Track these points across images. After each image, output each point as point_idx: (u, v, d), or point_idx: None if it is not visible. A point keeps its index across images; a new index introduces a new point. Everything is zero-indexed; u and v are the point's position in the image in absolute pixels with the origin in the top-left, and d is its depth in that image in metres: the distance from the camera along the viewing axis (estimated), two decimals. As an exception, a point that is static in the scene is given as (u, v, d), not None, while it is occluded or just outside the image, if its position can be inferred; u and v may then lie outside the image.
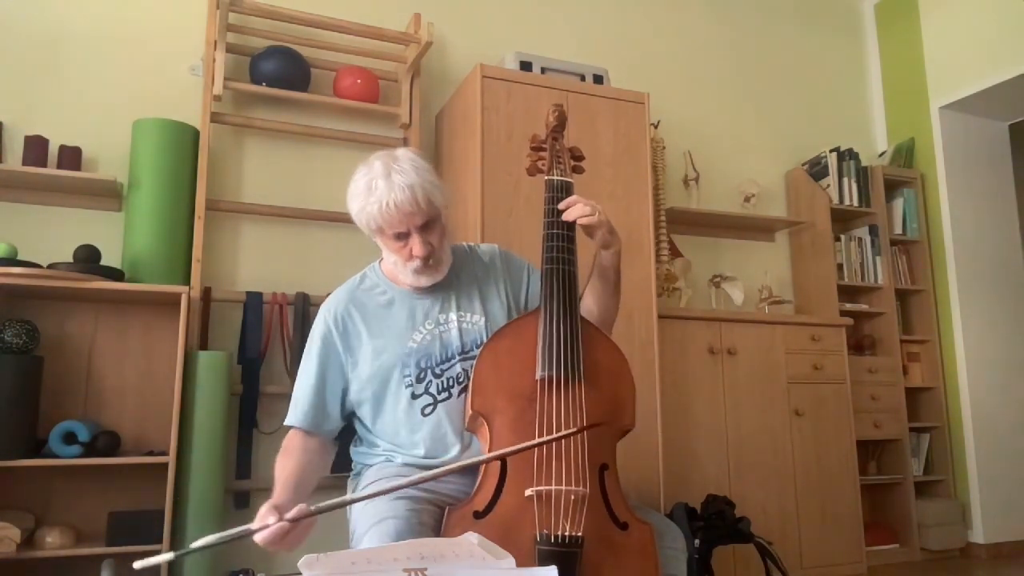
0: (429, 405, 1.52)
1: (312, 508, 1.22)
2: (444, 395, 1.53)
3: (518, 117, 2.78)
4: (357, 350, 1.55)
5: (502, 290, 1.65)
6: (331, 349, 1.56)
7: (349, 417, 1.61)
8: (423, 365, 1.53)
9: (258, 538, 1.22)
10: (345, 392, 1.57)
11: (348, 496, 1.26)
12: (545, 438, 1.34)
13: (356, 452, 1.66)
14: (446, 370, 1.54)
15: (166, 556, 1.11)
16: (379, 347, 1.54)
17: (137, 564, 1.08)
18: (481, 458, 1.35)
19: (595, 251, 1.60)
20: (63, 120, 2.73)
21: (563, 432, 1.35)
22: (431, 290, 1.59)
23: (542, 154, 1.68)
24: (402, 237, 1.49)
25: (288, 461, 1.47)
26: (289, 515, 1.22)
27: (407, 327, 1.56)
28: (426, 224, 1.49)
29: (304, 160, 3.06)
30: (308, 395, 1.55)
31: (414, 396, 1.52)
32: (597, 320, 1.60)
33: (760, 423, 3.20)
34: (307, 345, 1.59)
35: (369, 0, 3.23)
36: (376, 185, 1.45)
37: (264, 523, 1.22)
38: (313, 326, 1.60)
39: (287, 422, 1.55)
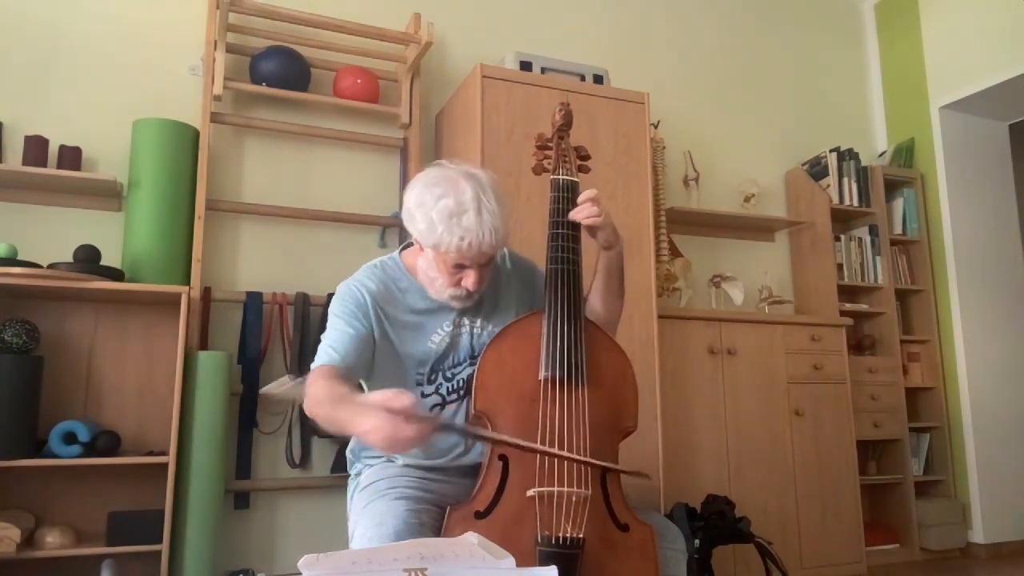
0: (437, 405, 1.52)
1: (460, 426, 1.27)
2: (453, 396, 1.53)
3: (518, 117, 2.78)
4: (382, 335, 1.50)
5: (513, 293, 1.64)
6: (368, 321, 1.48)
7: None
8: (436, 367, 1.53)
9: (410, 430, 1.14)
10: (369, 365, 1.50)
11: (491, 434, 1.26)
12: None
13: (356, 452, 1.66)
14: (457, 373, 1.54)
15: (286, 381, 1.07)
16: (400, 342, 1.52)
17: (264, 389, 1.07)
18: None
19: (598, 252, 1.59)
20: (63, 120, 2.73)
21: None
22: None
23: (548, 153, 1.67)
24: (460, 267, 1.45)
25: (341, 387, 1.32)
26: (438, 420, 1.25)
27: (428, 327, 1.54)
28: (488, 261, 1.46)
29: (304, 160, 3.06)
30: (346, 342, 1.43)
31: (424, 396, 1.52)
32: (602, 321, 1.60)
33: (760, 423, 3.20)
34: (337, 308, 1.49)
35: (369, 0, 3.23)
36: (465, 217, 1.38)
37: (414, 411, 1.14)
38: (342, 296, 1.51)
39: (324, 362, 1.41)
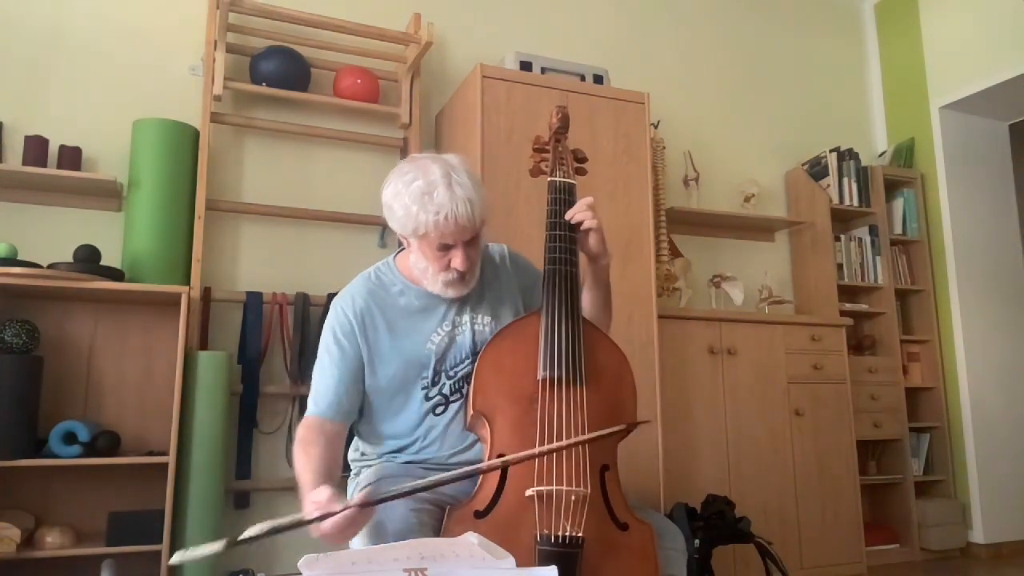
0: (441, 405, 1.53)
1: (385, 493, 1.18)
2: (456, 396, 1.53)
3: (518, 117, 2.78)
4: (376, 347, 1.52)
5: (513, 292, 1.64)
6: (352, 343, 1.51)
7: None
8: (438, 367, 1.53)
9: (326, 526, 1.15)
10: (363, 389, 1.53)
11: (421, 482, 1.20)
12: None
13: (355, 451, 1.66)
14: (460, 371, 1.54)
15: (215, 546, 1.06)
16: (399, 346, 1.52)
17: (175, 558, 1.08)
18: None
19: (585, 264, 1.58)
20: (63, 120, 2.73)
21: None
22: None
23: (545, 155, 1.68)
24: (445, 248, 1.45)
25: (315, 449, 1.40)
26: (355, 500, 1.16)
27: (426, 328, 1.54)
28: (472, 239, 1.47)
29: (304, 160, 3.06)
30: (332, 387, 1.49)
31: (428, 397, 1.53)
32: None
33: (760, 423, 3.20)
34: (325, 338, 1.54)
35: (369, 0, 3.23)
36: (436, 194, 1.40)
37: (328, 510, 1.15)
38: (330, 319, 1.55)
39: (310, 413, 1.49)
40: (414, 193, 1.42)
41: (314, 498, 1.20)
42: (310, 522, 1.14)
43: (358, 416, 1.60)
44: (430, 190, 1.41)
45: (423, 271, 1.51)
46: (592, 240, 1.54)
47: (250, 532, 1.09)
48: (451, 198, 1.40)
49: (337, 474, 1.42)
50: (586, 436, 1.34)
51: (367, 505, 1.17)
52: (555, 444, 1.34)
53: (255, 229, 2.94)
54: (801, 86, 4.22)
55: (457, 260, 1.46)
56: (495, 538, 1.08)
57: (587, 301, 1.61)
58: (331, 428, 1.47)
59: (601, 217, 1.56)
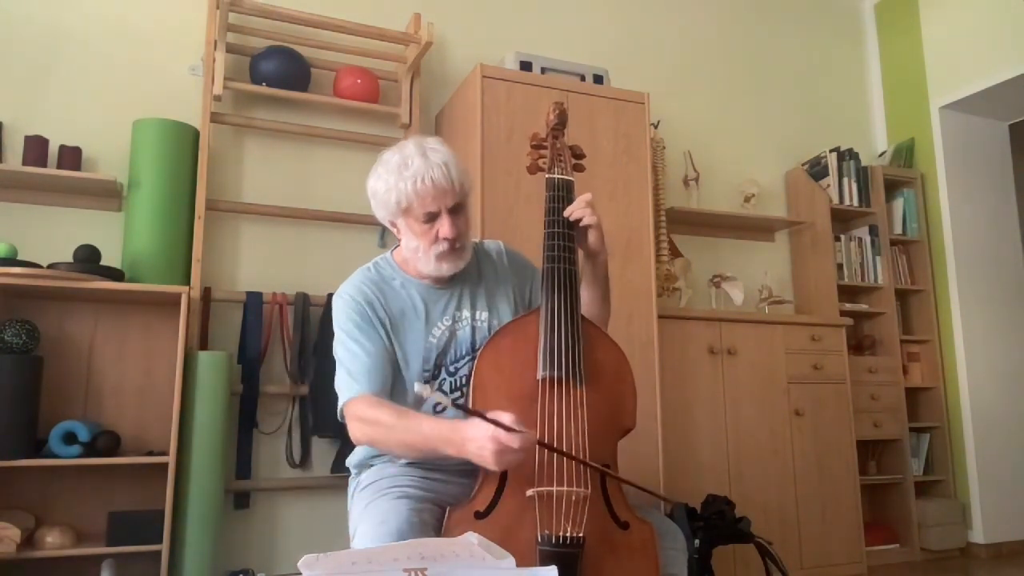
0: (440, 403, 1.52)
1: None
2: (456, 393, 1.53)
3: (518, 117, 2.78)
4: (386, 333, 1.51)
5: (510, 288, 1.64)
6: (374, 323, 1.50)
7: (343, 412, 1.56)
8: (439, 362, 1.53)
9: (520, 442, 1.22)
10: (393, 362, 1.51)
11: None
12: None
13: (357, 451, 1.66)
14: (459, 368, 1.54)
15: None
16: (400, 339, 1.52)
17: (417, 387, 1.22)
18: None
19: (584, 260, 1.59)
20: (63, 120, 2.73)
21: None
22: (447, 284, 1.58)
23: (543, 152, 1.67)
24: (431, 218, 1.47)
25: (391, 408, 1.40)
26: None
27: (426, 321, 1.54)
28: (456, 206, 1.49)
29: (304, 160, 3.06)
30: (369, 365, 1.46)
31: (425, 396, 1.51)
32: None
33: (760, 423, 3.20)
34: (343, 326, 1.51)
35: (369, 0, 3.23)
36: (411, 162, 1.45)
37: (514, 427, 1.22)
38: (341, 309, 1.53)
39: (357, 393, 1.44)
40: (391, 168, 1.47)
41: (490, 435, 1.23)
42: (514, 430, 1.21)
43: None
44: (405, 161, 1.46)
45: (415, 252, 1.51)
46: (592, 237, 1.54)
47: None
48: (426, 164, 1.45)
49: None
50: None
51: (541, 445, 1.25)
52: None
53: (255, 229, 2.94)
54: (801, 86, 4.22)
55: (444, 228, 1.47)
56: (495, 538, 1.07)
57: (587, 297, 1.61)
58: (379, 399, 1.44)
59: (600, 214, 1.56)
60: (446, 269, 1.52)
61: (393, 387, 1.51)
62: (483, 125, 2.72)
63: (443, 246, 1.48)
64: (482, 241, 1.72)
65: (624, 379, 1.51)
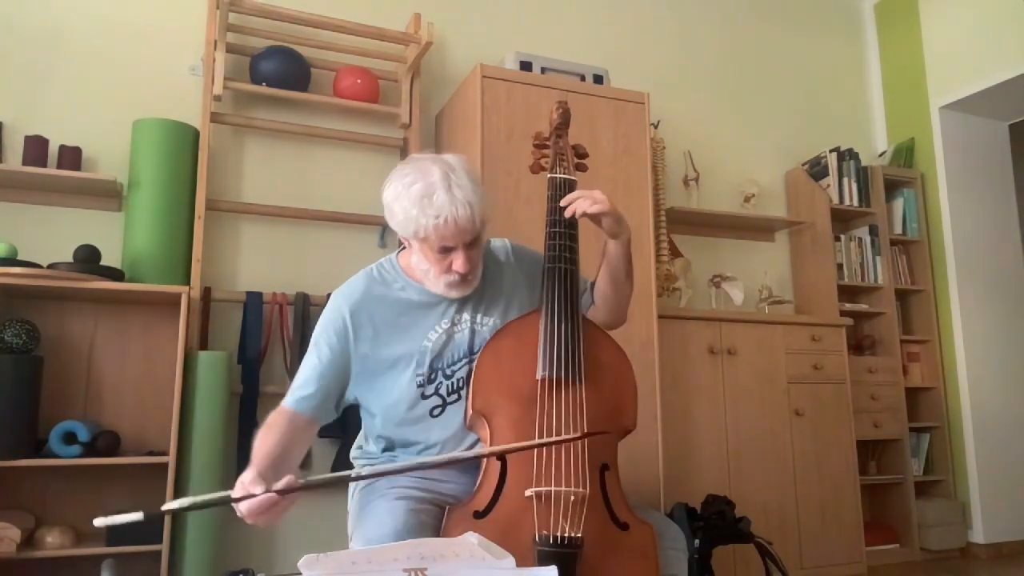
0: (438, 407, 1.51)
1: (301, 481, 1.17)
2: (453, 397, 1.51)
3: (518, 117, 2.78)
4: (369, 345, 1.50)
5: (520, 288, 1.61)
6: (342, 341, 1.50)
7: (345, 411, 1.57)
8: (435, 365, 1.51)
9: (243, 507, 1.17)
10: (344, 388, 1.52)
11: (337, 474, 1.22)
12: (548, 440, 1.34)
13: (356, 448, 1.66)
14: (456, 371, 1.52)
15: (135, 516, 1.06)
16: (395, 343, 1.51)
17: (97, 522, 1.07)
18: (483, 451, 1.35)
19: (603, 240, 1.57)
20: (63, 120, 2.73)
21: (566, 436, 1.35)
22: None
23: (545, 151, 1.67)
24: (446, 251, 1.44)
25: (272, 434, 1.40)
26: (277, 486, 1.17)
27: (424, 325, 1.52)
28: (473, 241, 1.46)
29: (304, 160, 3.06)
30: (311, 380, 1.48)
31: (424, 396, 1.50)
32: (611, 305, 1.60)
33: (760, 423, 3.20)
34: (318, 331, 1.52)
35: (369, 0, 3.23)
36: (436, 197, 1.39)
37: (249, 492, 1.17)
38: (327, 312, 1.54)
39: (284, 403, 1.48)
40: (413, 196, 1.40)
41: (240, 479, 1.22)
42: (227, 501, 1.16)
43: (363, 414, 1.59)
44: (429, 193, 1.39)
45: (425, 273, 1.50)
46: (604, 223, 1.52)
47: (170, 505, 1.12)
48: (451, 201, 1.39)
49: (292, 465, 1.41)
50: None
51: (287, 492, 1.17)
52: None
53: (255, 229, 2.94)
54: (801, 86, 4.22)
55: (458, 263, 1.44)
56: (495, 538, 1.07)
57: (606, 273, 1.59)
58: (300, 421, 1.46)
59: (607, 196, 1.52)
60: (455, 294, 1.51)
61: (380, 389, 1.51)
62: (483, 125, 2.72)
63: (454, 277, 1.47)
64: (488, 240, 1.67)
65: (624, 379, 1.50)
